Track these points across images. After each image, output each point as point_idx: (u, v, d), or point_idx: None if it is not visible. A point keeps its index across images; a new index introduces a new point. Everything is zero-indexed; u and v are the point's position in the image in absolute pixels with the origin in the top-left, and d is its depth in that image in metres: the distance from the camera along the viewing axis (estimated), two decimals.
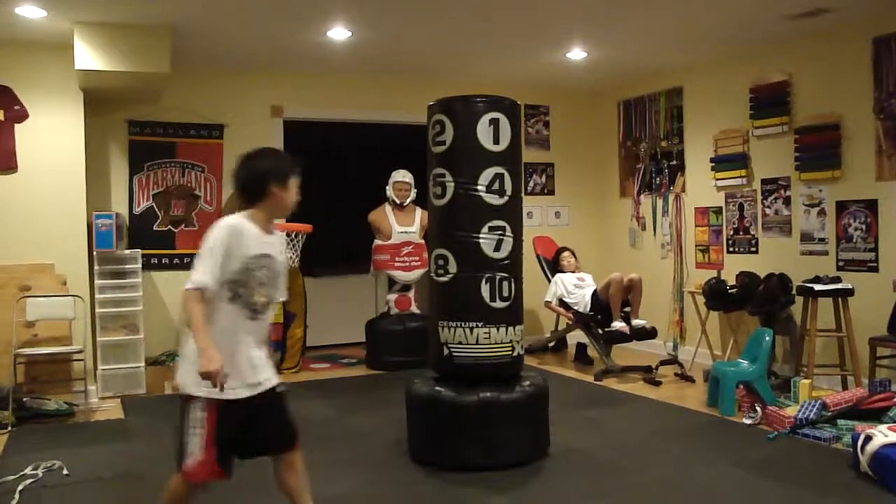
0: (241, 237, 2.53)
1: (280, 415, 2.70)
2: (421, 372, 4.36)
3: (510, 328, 3.90)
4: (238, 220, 2.57)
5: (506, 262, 3.89)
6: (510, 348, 3.91)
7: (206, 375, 2.38)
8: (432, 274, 4.00)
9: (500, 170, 3.86)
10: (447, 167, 3.89)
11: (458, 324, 3.84)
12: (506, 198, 3.89)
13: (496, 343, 3.85)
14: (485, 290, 3.84)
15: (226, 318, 2.53)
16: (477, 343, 3.83)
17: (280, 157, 2.72)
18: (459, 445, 3.78)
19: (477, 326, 3.83)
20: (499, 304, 3.87)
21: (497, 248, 3.86)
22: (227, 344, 2.49)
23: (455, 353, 3.86)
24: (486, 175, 3.84)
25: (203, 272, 2.46)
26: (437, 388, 3.89)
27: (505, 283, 3.88)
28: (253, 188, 2.61)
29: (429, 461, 3.88)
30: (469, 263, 3.85)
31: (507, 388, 3.86)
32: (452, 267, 3.88)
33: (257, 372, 2.60)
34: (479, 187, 3.84)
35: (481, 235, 3.84)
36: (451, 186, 3.87)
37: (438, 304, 3.98)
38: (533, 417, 3.94)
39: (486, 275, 3.85)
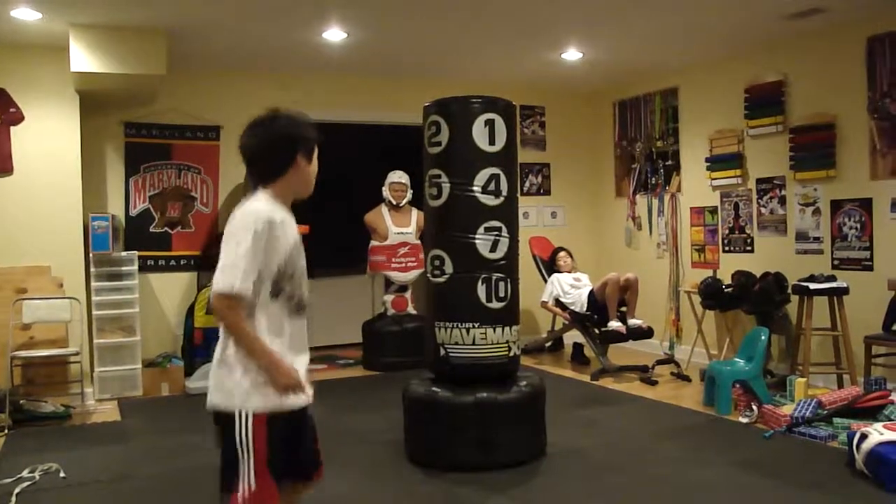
0: (283, 225, 2.11)
1: (313, 435, 2.31)
2: (418, 373, 4.36)
3: (507, 328, 3.91)
4: (271, 207, 2.11)
5: (502, 262, 3.90)
6: (507, 348, 3.91)
7: (288, 390, 2.07)
8: (428, 275, 4.00)
9: (495, 170, 3.87)
10: (443, 168, 3.89)
11: (455, 324, 3.85)
12: (502, 198, 3.90)
13: (493, 343, 3.86)
14: (481, 290, 3.85)
15: (270, 318, 2.11)
16: (473, 343, 3.84)
17: (304, 123, 2.24)
18: (457, 446, 3.79)
19: (473, 327, 3.83)
20: (495, 305, 3.87)
21: (493, 249, 3.87)
22: (274, 348, 2.11)
23: (452, 354, 3.86)
24: (482, 176, 3.84)
25: (239, 276, 2.01)
26: (434, 388, 3.90)
27: (501, 284, 3.89)
28: (276, 160, 2.16)
29: (426, 462, 3.88)
30: (465, 264, 3.86)
31: (504, 389, 3.86)
32: (448, 267, 3.88)
33: (306, 379, 2.22)
34: (475, 188, 3.84)
35: (477, 236, 3.84)
36: (446, 187, 3.87)
37: (435, 304, 3.98)
38: (530, 417, 3.95)
39: (483, 275, 3.85)
